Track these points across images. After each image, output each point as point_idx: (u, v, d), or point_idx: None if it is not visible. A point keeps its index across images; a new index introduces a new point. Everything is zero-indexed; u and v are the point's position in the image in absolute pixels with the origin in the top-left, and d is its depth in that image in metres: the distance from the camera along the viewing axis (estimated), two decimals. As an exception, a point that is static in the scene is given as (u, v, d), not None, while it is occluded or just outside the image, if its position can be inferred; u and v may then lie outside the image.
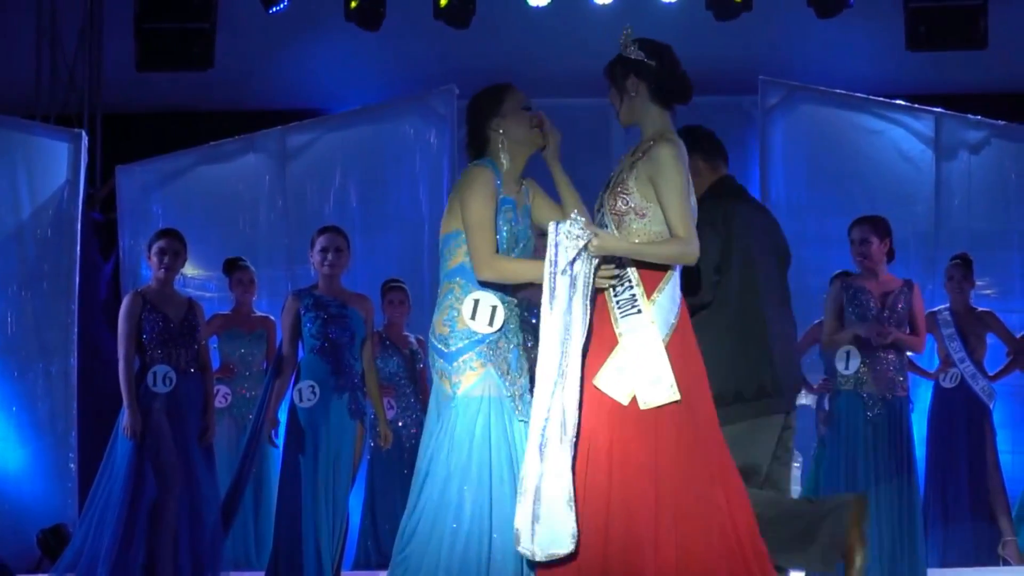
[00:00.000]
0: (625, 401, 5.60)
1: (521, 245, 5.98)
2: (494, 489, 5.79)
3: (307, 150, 11.99)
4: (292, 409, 8.65)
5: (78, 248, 11.56)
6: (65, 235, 11.53)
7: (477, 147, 6.08)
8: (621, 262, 5.68)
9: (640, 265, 5.66)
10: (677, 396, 5.57)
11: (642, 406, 5.57)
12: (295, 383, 8.66)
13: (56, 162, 11.65)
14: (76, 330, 11.41)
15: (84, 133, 11.94)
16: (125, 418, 8.63)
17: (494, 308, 5.93)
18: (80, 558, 8.86)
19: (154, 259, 8.99)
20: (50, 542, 10.73)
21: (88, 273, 11.71)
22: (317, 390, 8.51)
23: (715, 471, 5.64)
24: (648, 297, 5.65)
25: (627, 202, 5.71)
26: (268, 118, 12.22)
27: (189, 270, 10.95)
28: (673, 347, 5.63)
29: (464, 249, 5.90)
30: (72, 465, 11.24)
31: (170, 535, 8.79)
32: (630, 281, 5.67)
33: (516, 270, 5.87)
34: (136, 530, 8.64)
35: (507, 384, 5.91)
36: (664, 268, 5.68)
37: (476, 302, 5.93)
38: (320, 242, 8.77)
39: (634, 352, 5.61)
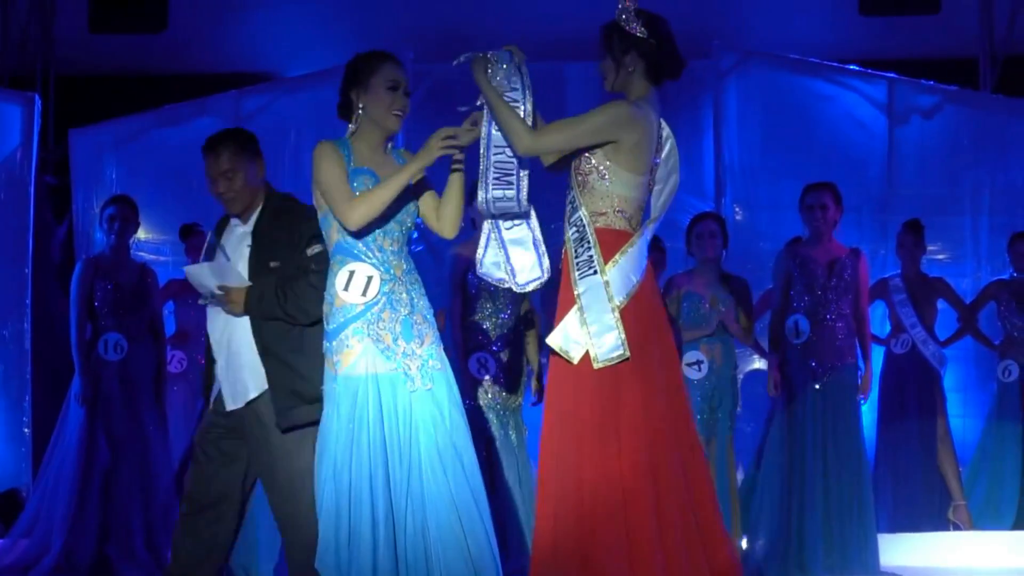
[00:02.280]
0: (575, 360, 5.63)
1: (402, 214, 5.92)
2: (391, 469, 5.72)
3: (261, 114, 11.93)
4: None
5: (31, 212, 11.50)
6: (18, 198, 11.48)
7: (343, 112, 6.07)
8: (583, 225, 5.69)
9: (599, 227, 5.69)
10: (627, 354, 5.59)
11: (594, 364, 5.59)
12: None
13: (8, 125, 11.59)
14: (29, 294, 11.37)
15: (37, 96, 11.86)
16: (77, 385, 8.60)
17: (369, 278, 5.82)
18: (35, 525, 8.87)
19: (105, 226, 8.95)
20: (3, 507, 10.71)
21: (41, 236, 11.66)
22: None
23: (666, 435, 5.66)
24: (606, 260, 5.66)
25: (590, 161, 5.71)
26: (223, 81, 12.16)
27: (143, 234, 10.91)
28: (629, 312, 5.64)
29: (336, 225, 5.84)
30: (26, 430, 11.21)
31: (123, 502, 8.77)
32: (588, 242, 5.69)
33: (379, 195, 5.76)
34: (90, 497, 8.64)
35: (394, 357, 5.79)
36: (627, 234, 5.70)
37: (351, 273, 5.84)
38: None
39: (587, 311, 5.63)
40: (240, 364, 6.11)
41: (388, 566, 5.64)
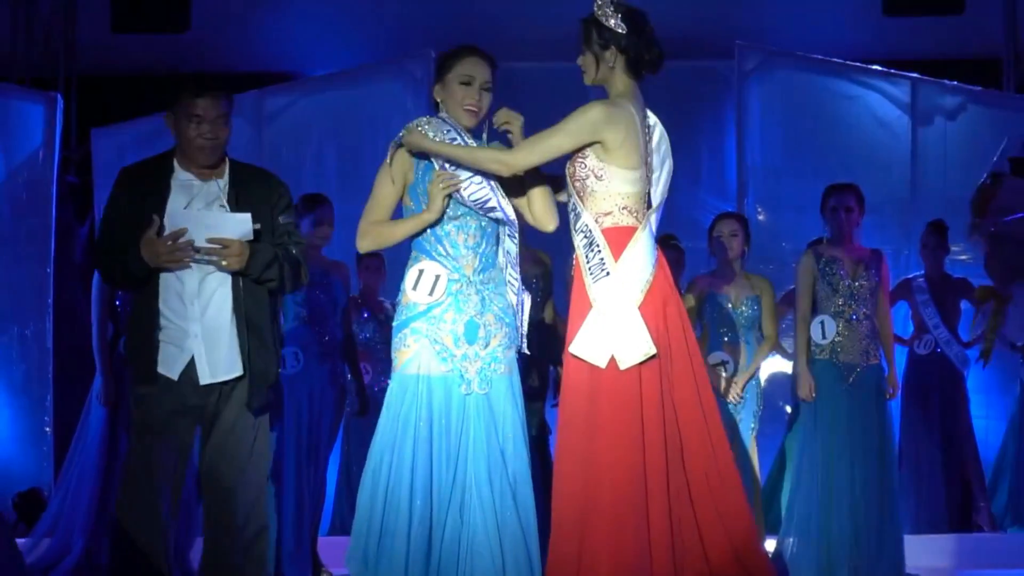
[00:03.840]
0: (603, 364, 5.58)
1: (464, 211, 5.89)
2: (436, 472, 5.70)
3: (284, 114, 11.96)
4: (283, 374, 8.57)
5: (53, 211, 11.54)
6: (40, 198, 11.52)
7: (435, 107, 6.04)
8: (589, 230, 5.66)
9: (607, 227, 5.66)
10: (653, 351, 5.56)
11: (621, 366, 5.55)
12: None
13: (31, 125, 11.64)
14: (52, 293, 11.39)
15: (59, 96, 11.91)
16: (99, 385, 8.59)
17: (437, 278, 5.82)
18: (57, 524, 8.88)
19: None
20: (26, 506, 10.72)
21: (63, 236, 11.69)
22: (301, 357, 8.46)
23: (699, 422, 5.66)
24: (616, 259, 5.63)
25: (584, 165, 5.70)
26: (244, 81, 12.15)
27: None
28: (646, 307, 5.62)
29: None
30: (48, 429, 11.23)
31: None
32: (598, 245, 5.66)
33: (389, 233, 5.90)
34: (112, 497, 8.61)
35: (451, 359, 5.77)
36: (631, 227, 5.67)
37: (421, 272, 5.85)
38: (318, 214, 8.64)
39: (607, 314, 5.59)
40: (221, 336, 5.95)
41: (419, 568, 5.61)
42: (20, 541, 9.13)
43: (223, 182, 6.06)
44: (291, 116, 11.93)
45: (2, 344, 11.29)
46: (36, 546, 8.91)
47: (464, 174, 5.77)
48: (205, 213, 5.92)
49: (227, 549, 5.94)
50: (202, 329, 5.90)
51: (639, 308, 5.60)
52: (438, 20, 12.12)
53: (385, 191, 5.91)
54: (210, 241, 5.82)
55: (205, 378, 5.90)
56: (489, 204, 5.78)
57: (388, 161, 5.89)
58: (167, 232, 5.82)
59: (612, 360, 5.58)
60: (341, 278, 8.74)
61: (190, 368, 5.90)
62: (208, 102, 5.97)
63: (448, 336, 5.78)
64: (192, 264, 5.89)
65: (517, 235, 5.92)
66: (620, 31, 5.72)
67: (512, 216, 5.83)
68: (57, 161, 11.65)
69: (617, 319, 5.58)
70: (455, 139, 5.80)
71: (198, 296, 5.90)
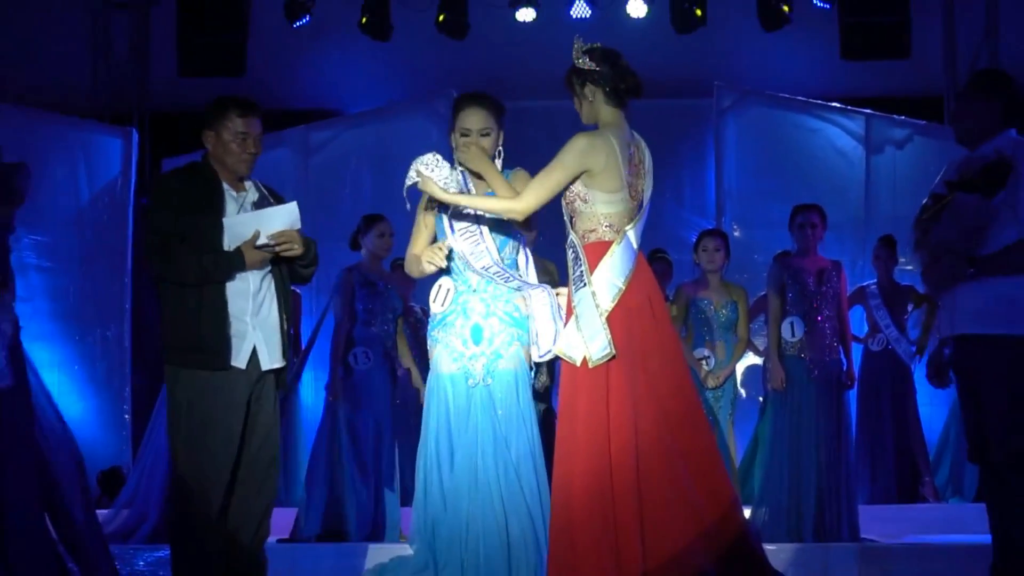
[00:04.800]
0: (578, 362, 5.58)
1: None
2: (455, 451, 5.76)
3: (327, 145, 12.01)
4: (344, 369, 8.62)
5: (130, 230, 11.60)
6: (118, 219, 11.59)
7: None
8: (576, 247, 5.66)
9: (589, 243, 5.63)
10: (614, 353, 5.51)
11: (589, 365, 5.54)
12: (346, 349, 8.63)
13: (110, 156, 11.72)
14: (129, 301, 11.46)
15: (134, 131, 11.99)
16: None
17: (448, 291, 5.89)
18: (135, 497, 8.90)
19: None
20: (108, 482, 10.79)
21: (138, 252, 11.73)
22: (370, 355, 8.51)
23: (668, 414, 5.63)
24: (592, 271, 5.60)
25: (571, 190, 5.65)
26: (292, 117, 12.23)
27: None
28: (616, 315, 5.58)
29: None
30: (126, 416, 11.31)
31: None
32: (580, 260, 5.64)
33: (410, 259, 5.98)
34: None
35: (461, 356, 5.82)
36: (610, 241, 5.62)
37: (439, 287, 5.92)
38: (379, 227, 8.71)
39: (581, 319, 5.58)
40: (273, 329, 5.86)
41: (445, 531, 5.71)
42: (102, 512, 9.19)
43: (252, 191, 5.98)
44: (333, 147, 11.98)
45: (87, 344, 11.36)
46: (116, 516, 8.91)
47: (460, 225, 5.81)
48: (263, 211, 5.82)
49: (257, 508, 5.86)
50: (259, 323, 5.81)
51: (611, 314, 5.55)
52: (459, 63, 12.14)
53: (419, 228, 6.01)
54: (273, 236, 5.74)
55: (266, 364, 5.81)
56: (479, 248, 5.82)
57: (422, 206, 5.96)
58: (227, 235, 5.74)
59: (584, 359, 5.57)
60: (396, 286, 8.80)
61: (251, 359, 5.80)
62: (252, 121, 5.88)
63: (458, 339, 5.83)
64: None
65: (527, 251, 5.98)
66: (593, 68, 5.68)
67: (496, 257, 5.83)
68: (133, 187, 11.71)
69: (588, 324, 5.56)
70: (461, 184, 5.85)
71: (257, 293, 5.82)
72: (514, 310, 5.88)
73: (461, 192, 5.85)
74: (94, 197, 11.51)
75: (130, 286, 11.46)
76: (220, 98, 5.97)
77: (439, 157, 5.81)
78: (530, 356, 5.87)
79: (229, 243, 5.76)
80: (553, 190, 5.61)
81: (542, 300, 5.84)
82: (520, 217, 5.63)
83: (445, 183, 5.75)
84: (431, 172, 5.73)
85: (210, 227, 5.77)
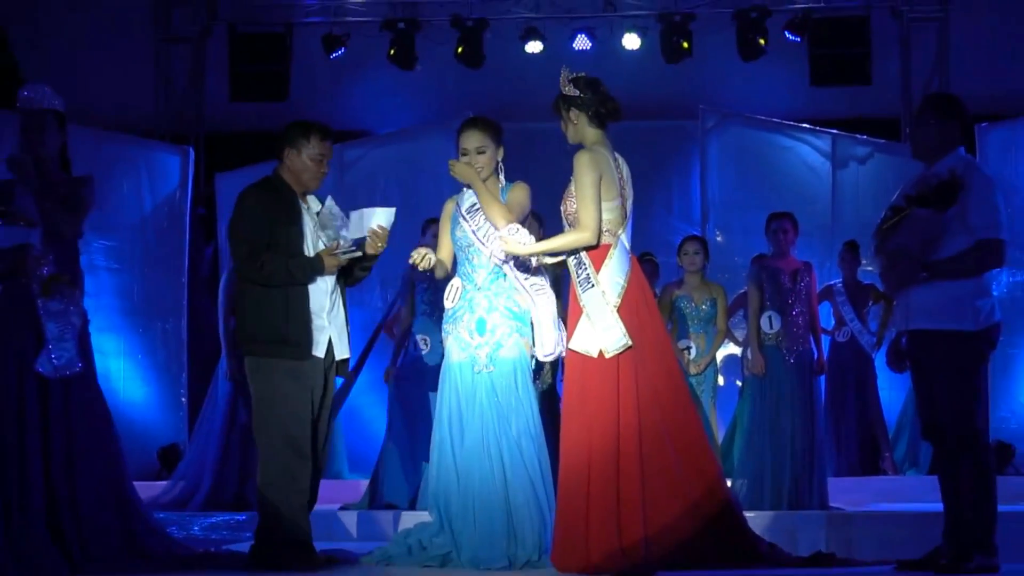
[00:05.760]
0: (595, 355, 5.59)
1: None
2: (464, 430, 5.77)
3: (359, 162, 11.98)
4: (407, 357, 8.60)
5: (187, 236, 11.60)
6: (177, 226, 11.58)
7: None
8: (579, 252, 5.65)
9: (588, 248, 5.62)
10: (629, 342, 5.56)
11: (606, 356, 5.56)
12: (409, 337, 8.61)
13: (170, 171, 11.70)
14: (185, 298, 11.45)
15: (191, 149, 11.99)
16: (224, 365, 8.61)
17: (457, 289, 5.93)
18: (189, 470, 8.89)
19: None
20: (167, 457, 10.79)
21: (194, 255, 11.76)
22: (429, 341, 8.46)
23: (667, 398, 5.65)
24: (597, 271, 5.62)
25: (572, 204, 5.66)
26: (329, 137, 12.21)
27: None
28: (623, 309, 5.60)
29: None
30: (183, 399, 11.30)
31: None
32: (584, 264, 5.65)
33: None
34: (232, 449, 8.62)
35: (468, 346, 5.82)
36: (608, 245, 5.63)
37: (451, 285, 5.97)
38: (434, 229, 8.64)
39: (592, 316, 5.59)
40: (343, 321, 5.94)
41: (458, 499, 5.74)
42: (160, 484, 9.20)
43: (314, 202, 5.97)
44: (365, 164, 11.95)
45: (148, 336, 11.35)
46: (173, 487, 8.92)
47: (478, 225, 5.88)
48: (372, 210, 5.78)
49: (314, 481, 5.88)
50: (333, 318, 5.87)
51: (618, 309, 5.59)
52: (475, 89, 12.18)
53: (441, 239, 6.10)
54: (374, 233, 5.73)
55: (339, 355, 5.88)
56: (527, 273, 5.87)
57: (444, 216, 6.07)
58: (325, 239, 5.81)
59: (600, 351, 5.59)
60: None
61: (326, 350, 5.85)
62: (328, 145, 5.90)
63: (465, 331, 5.85)
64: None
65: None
66: (576, 94, 5.68)
67: (483, 250, 5.87)
68: (190, 198, 11.70)
69: (601, 320, 5.58)
70: (476, 204, 5.87)
71: (331, 292, 5.87)
72: (515, 305, 5.86)
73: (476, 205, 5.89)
74: (155, 207, 11.50)
75: (186, 285, 11.44)
76: (303, 122, 5.97)
77: (518, 226, 5.73)
78: (530, 346, 5.86)
79: (315, 239, 5.85)
80: (597, 203, 5.58)
81: (546, 308, 5.85)
82: (593, 240, 5.59)
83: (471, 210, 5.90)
84: (514, 235, 5.66)
85: (294, 235, 5.83)
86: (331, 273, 5.82)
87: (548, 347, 5.83)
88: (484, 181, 5.87)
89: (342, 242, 5.79)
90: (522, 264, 5.83)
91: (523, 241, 5.63)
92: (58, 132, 5.89)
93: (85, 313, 5.84)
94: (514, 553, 5.61)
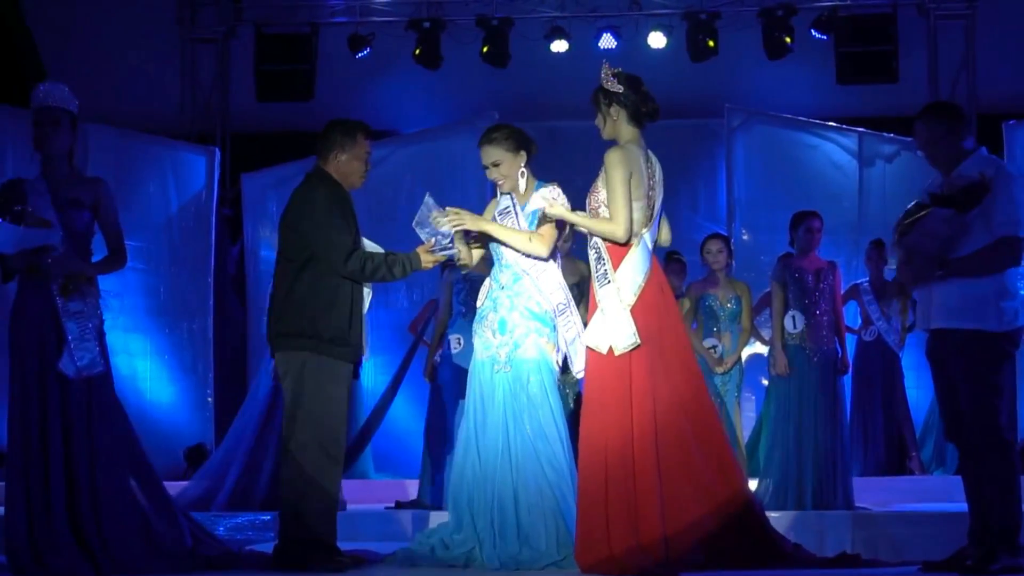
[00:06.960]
0: (604, 351, 5.60)
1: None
2: (487, 426, 5.80)
3: (384, 161, 11.95)
4: (445, 356, 8.64)
5: (213, 236, 11.64)
6: (203, 226, 11.62)
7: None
8: (599, 248, 5.66)
9: (608, 244, 5.63)
10: (638, 341, 5.55)
11: (615, 353, 5.57)
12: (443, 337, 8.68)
13: (196, 171, 11.74)
14: (212, 298, 11.49)
15: (217, 149, 12.03)
16: (270, 363, 8.52)
17: (487, 288, 5.98)
18: (214, 469, 8.86)
19: None
20: (193, 456, 10.82)
21: (220, 255, 11.79)
22: (462, 341, 8.47)
23: (685, 398, 5.63)
24: (615, 268, 5.62)
25: (597, 198, 5.68)
26: (355, 136, 12.22)
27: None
28: (638, 309, 5.59)
29: None
30: (209, 399, 11.34)
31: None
32: (603, 259, 5.65)
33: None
34: (267, 449, 8.49)
35: (491, 345, 5.85)
36: (626, 245, 5.62)
37: (484, 285, 6.02)
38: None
39: (606, 312, 5.60)
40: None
41: (477, 493, 5.79)
42: (185, 483, 9.19)
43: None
44: (389, 163, 11.95)
45: (175, 336, 11.39)
46: (198, 485, 8.92)
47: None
48: (422, 213, 5.78)
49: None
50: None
51: (633, 308, 5.58)
52: (501, 88, 12.19)
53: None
54: (439, 217, 5.73)
55: (366, 357, 6.02)
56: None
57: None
58: (424, 237, 5.79)
59: (610, 348, 5.60)
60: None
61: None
62: (370, 144, 6.01)
63: (489, 331, 5.88)
64: None
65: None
66: (619, 91, 5.68)
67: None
68: (215, 198, 11.75)
69: (613, 317, 5.58)
70: (508, 207, 5.91)
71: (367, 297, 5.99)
72: (535, 305, 5.86)
73: (510, 209, 5.94)
74: (182, 207, 11.54)
75: (212, 285, 11.49)
76: (344, 121, 6.01)
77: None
78: (551, 348, 5.85)
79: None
80: (628, 201, 5.58)
81: (571, 328, 5.86)
82: (624, 237, 5.59)
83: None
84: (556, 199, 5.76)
85: (357, 233, 5.90)
86: (426, 269, 5.93)
87: (580, 363, 5.85)
88: (511, 190, 5.93)
89: (437, 239, 5.78)
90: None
91: (565, 205, 5.72)
92: (69, 133, 5.84)
93: (102, 314, 5.85)
94: (523, 554, 5.63)
